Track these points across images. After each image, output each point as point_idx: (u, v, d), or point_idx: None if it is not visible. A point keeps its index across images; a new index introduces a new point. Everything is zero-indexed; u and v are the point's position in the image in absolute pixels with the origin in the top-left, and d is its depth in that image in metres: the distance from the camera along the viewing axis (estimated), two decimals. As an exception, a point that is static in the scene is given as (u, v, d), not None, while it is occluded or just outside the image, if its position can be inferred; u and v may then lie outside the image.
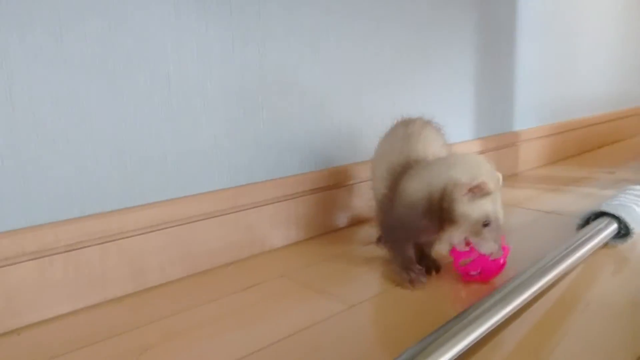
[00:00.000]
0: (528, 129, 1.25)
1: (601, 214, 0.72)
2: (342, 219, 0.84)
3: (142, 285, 0.61)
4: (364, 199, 0.82)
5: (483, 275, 0.60)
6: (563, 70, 1.37)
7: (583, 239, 0.66)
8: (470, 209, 0.55)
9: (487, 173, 0.56)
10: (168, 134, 0.62)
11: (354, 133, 0.85)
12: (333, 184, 0.81)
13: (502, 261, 0.59)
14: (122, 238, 0.59)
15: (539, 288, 0.55)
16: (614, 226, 0.70)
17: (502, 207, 0.56)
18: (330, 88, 0.80)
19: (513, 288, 0.52)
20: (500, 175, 0.58)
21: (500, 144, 1.17)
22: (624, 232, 0.71)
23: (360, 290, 0.60)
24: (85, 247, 0.56)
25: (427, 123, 0.66)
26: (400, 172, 0.61)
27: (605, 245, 0.70)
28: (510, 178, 1.19)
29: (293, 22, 0.73)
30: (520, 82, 1.21)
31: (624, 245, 0.71)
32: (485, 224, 0.55)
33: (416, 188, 0.58)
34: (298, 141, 0.77)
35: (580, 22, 1.41)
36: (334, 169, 0.82)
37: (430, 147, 0.63)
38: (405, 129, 0.65)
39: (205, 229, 0.66)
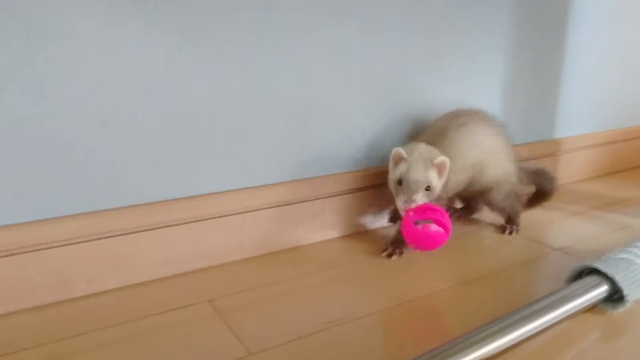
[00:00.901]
0: (573, 137, 1.09)
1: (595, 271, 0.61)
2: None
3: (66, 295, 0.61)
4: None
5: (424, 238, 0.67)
6: (627, 69, 1.17)
7: (561, 296, 0.56)
8: (391, 173, 0.72)
9: (416, 150, 0.70)
10: (101, 144, 0.60)
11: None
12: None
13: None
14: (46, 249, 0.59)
15: (497, 348, 0.49)
16: (602, 288, 0.58)
17: (424, 171, 0.68)
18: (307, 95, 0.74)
19: (471, 342, 0.48)
20: (443, 159, 0.69)
21: (535, 153, 1.03)
22: (617, 296, 0.59)
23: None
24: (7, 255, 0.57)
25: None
26: None
27: (593, 308, 0.59)
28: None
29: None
30: (569, 82, 1.05)
31: (617, 312, 0.59)
32: (399, 183, 0.69)
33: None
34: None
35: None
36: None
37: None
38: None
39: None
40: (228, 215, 0.70)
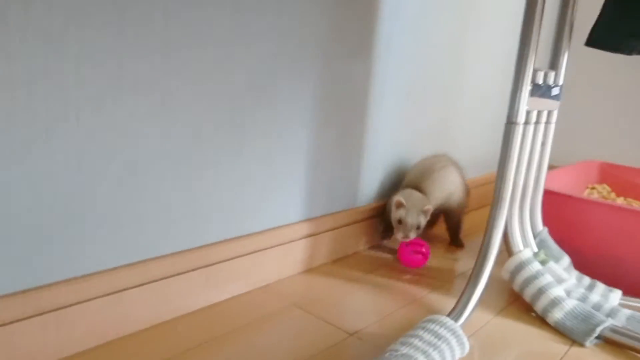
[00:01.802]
0: (375, 204, 1.15)
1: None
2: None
3: None
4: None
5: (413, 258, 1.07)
6: (431, 137, 1.29)
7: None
8: (393, 213, 1.06)
9: (411, 198, 1.06)
10: None
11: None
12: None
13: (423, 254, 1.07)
14: None
15: None
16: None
17: (417, 216, 1.05)
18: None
19: None
20: (427, 206, 1.06)
21: (339, 222, 1.06)
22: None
23: None
24: None
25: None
26: None
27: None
28: (350, 258, 1.10)
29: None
30: (370, 154, 1.11)
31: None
32: (399, 222, 1.05)
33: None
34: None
35: (460, 81, 1.34)
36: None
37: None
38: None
39: None
40: None
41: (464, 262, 1.13)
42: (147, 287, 0.74)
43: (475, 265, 0.88)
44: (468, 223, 1.42)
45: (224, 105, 0.79)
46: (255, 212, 0.89)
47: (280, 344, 0.74)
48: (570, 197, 1.08)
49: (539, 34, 0.83)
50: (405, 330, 0.80)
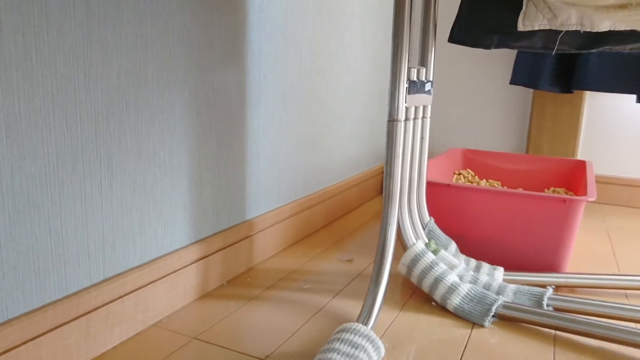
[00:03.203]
0: (264, 215, 1.10)
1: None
2: None
3: None
4: None
5: None
6: (297, 144, 1.28)
7: None
8: None
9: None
10: None
11: None
12: None
13: None
14: None
15: None
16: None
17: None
18: None
19: None
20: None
21: (233, 239, 1.00)
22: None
23: None
24: None
25: None
26: None
27: None
28: (245, 275, 1.03)
29: None
30: (253, 163, 1.06)
31: None
32: None
33: None
34: None
35: (327, 90, 1.34)
36: None
37: None
38: None
39: None
40: None
41: (357, 262, 1.13)
42: (11, 354, 0.61)
43: (374, 264, 0.88)
44: (347, 223, 1.44)
45: (84, 128, 0.68)
46: (135, 243, 0.79)
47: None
48: (448, 185, 1.13)
49: (409, 33, 0.85)
50: (318, 344, 0.77)
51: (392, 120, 0.88)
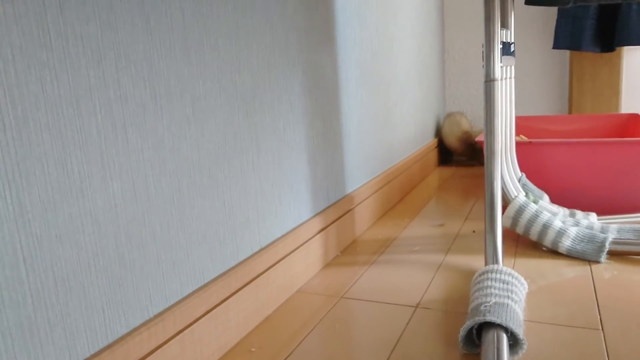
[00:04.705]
0: (359, 188, 1.16)
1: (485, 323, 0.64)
2: None
3: None
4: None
5: None
6: (377, 123, 1.34)
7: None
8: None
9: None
10: None
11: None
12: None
13: None
14: None
15: None
16: (505, 340, 0.62)
17: None
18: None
19: None
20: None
21: (340, 212, 1.05)
22: (511, 342, 0.63)
23: None
24: None
25: None
26: None
27: None
28: (353, 245, 1.09)
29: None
30: (345, 141, 1.12)
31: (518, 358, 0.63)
32: None
33: None
34: None
35: (391, 72, 1.40)
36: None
37: None
38: None
39: None
40: None
41: (448, 225, 1.19)
42: (211, 315, 0.66)
43: (485, 217, 0.93)
44: (416, 196, 1.50)
45: (239, 107, 0.74)
46: (277, 215, 0.85)
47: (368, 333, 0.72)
48: (530, 142, 1.19)
49: (499, -4, 0.91)
50: (456, 290, 0.83)
51: (489, 81, 0.94)
